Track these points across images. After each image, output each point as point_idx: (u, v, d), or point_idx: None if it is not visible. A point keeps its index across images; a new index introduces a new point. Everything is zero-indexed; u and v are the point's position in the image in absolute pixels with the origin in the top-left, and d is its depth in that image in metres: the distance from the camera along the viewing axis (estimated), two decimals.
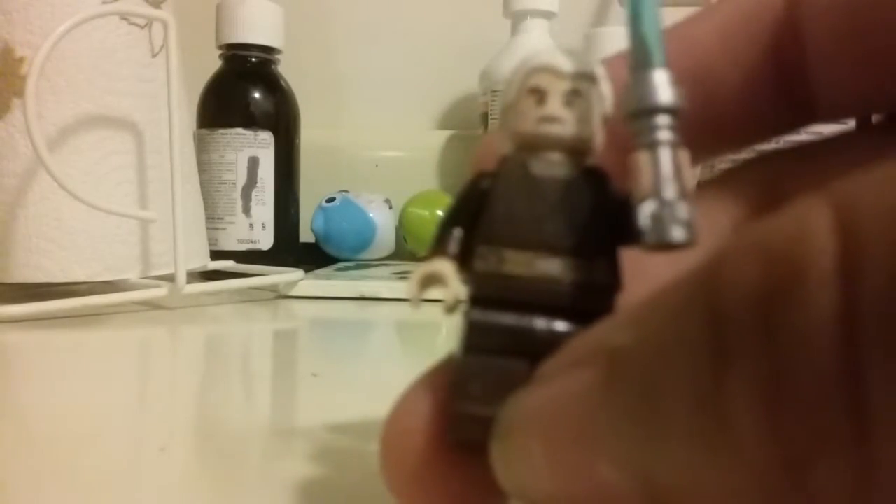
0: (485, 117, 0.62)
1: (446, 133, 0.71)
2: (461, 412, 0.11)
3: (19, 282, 0.40)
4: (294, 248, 0.59)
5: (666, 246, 0.10)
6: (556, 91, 0.11)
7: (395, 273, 0.53)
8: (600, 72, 0.12)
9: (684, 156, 0.10)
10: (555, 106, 0.11)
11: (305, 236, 0.62)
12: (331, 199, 0.62)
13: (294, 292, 0.47)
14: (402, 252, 0.64)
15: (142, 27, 0.43)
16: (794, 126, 0.13)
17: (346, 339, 0.38)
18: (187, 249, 0.42)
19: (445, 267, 0.11)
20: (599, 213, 0.11)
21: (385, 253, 0.63)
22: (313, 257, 0.60)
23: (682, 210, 0.10)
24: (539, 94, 0.12)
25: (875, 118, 0.13)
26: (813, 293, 0.06)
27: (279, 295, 0.47)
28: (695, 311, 0.07)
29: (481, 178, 0.12)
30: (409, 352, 0.37)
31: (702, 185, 0.14)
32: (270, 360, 0.35)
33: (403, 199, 0.63)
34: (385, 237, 0.62)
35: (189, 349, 0.36)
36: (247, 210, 0.55)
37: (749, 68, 0.13)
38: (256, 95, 0.56)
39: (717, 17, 0.13)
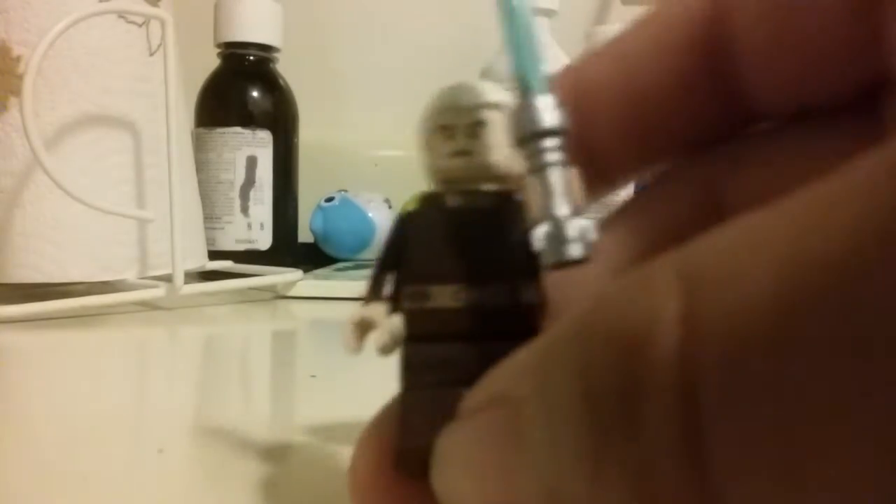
0: None
1: None
2: (405, 447, 0.11)
3: (16, 282, 0.40)
4: (293, 248, 0.59)
5: (564, 264, 0.11)
6: (461, 125, 0.12)
7: None
8: (502, 98, 0.12)
9: (574, 174, 0.11)
10: (461, 140, 0.12)
11: (304, 236, 0.61)
12: (330, 199, 0.62)
13: (292, 292, 0.47)
14: None
15: (139, 25, 0.43)
16: (732, 130, 0.13)
17: None
18: (185, 249, 0.42)
19: (376, 311, 0.12)
20: (515, 239, 0.11)
21: None
22: (312, 257, 0.60)
23: (575, 228, 0.11)
24: (447, 131, 0.12)
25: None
26: (661, 389, 0.07)
27: (277, 295, 0.47)
28: (573, 389, 0.08)
29: (403, 218, 0.12)
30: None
31: (643, 190, 0.14)
32: (269, 360, 0.35)
33: (403, 199, 0.62)
34: (384, 237, 0.62)
35: (187, 350, 0.36)
36: (245, 210, 0.55)
37: (684, 77, 0.13)
38: (255, 94, 0.56)
39: (649, 29, 0.13)
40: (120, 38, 0.42)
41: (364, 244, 0.61)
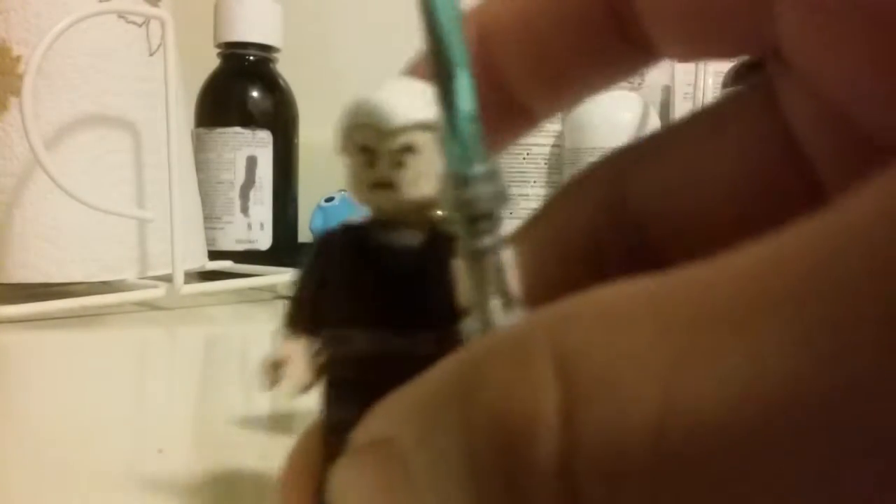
0: None
1: None
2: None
3: (16, 282, 0.40)
4: (293, 248, 0.59)
5: None
6: (385, 150, 0.10)
7: None
8: (433, 115, 0.10)
9: (508, 258, 0.09)
10: (384, 169, 0.10)
11: (304, 236, 0.61)
12: (330, 199, 0.62)
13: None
14: None
15: (139, 25, 0.43)
16: (636, 65, 0.13)
17: None
18: (185, 249, 0.42)
19: (294, 350, 0.11)
20: (442, 283, 0.10)
21: None
22: None
23: (505, 322, 0.09)
24: (368, 154, 0.11)
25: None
26: (539, 475, 0.07)
27: (277, 295, 0.47)
28: (457, 446, 0.08)
29: (324, 245, 0.11)
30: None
31: (559, 191, 0.14)
32: None
33: None
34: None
35: (187, 350, 0.36)
36: (245, 210, 0.55)
37: (580, 9, 0.13)
38: (255, 94, 0.56)
39: None
40: (120, 38, 0.42)
41: None
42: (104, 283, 0.42)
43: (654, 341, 0.07)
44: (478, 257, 0.09)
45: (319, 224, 0.61)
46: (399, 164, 0.10)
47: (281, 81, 0.58)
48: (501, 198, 0.09)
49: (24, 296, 0.39)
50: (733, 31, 0.12)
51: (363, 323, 0.11)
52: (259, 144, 0.55)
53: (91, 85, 0.41)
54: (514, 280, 0.09)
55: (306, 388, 0.11)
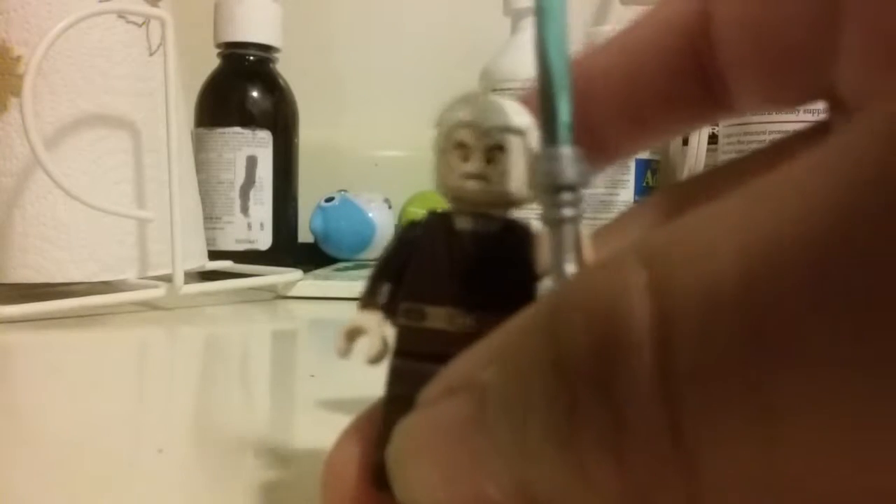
0: None
1: None
2: (382, 461, 0.11)
3: (16, 282, 0.40)
4: (293, 248, 0.59)
5: None
6: (479, 147, 0.12)
7: None
8: (525, 122, 0.12)
9: (585, 231, 0.11)
10: (477, 163, 0.12)
11: (304, 236, 0.61)
12: (330, 199, 0.62)
13: (292, 293, 0.47)
14: None
15: (139, 25, 0.43)
16: (714, 118, 0.15)
17: None
18: (185, 249, 0.42)
19: (370, 320, 0.12)
20: (517, 269, 0.11)
21: None
22: (312, 257, 0.60)
23: None
24: (463, 150, 0.12)
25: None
26: (634, 352, 0.08)
27: (277, 295, 0.47)
28: (544, 363, 0.08)
29: (410, 230, 0.12)
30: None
31: (622, 214, 0.16)
32: (269, 360, 0.35)
33: (403, 199, 0.63)
34: (384, 237, 0.62)
35: (187, 350, 0.36)
36: (245, 210, 0.55)
37: (673, 67, 0.14)
38: (255, 94, 0.56)
39: (651, 21, 0.15)
40: (120, 38, 0.42)
41: (364, 244, 0.61)
42: (104, 283, 0.42)
43: (728, 206, 0.08)
44: (558, 225, 0.11)
45: (319, 224, 0.61)
46: (490, 160, 0.12)
47: (281, 81, 0.58)
48: (584, 177, 0.11)
49: (24, 296, 0.39)
50: (804, 81, 0.13)
51: (439, 300, 0.12)
52: (259, 144, 0.55)
53: (91, 85, 0.41)
54: (588, 250, 0.11)
55: (378, 358, 0.12)
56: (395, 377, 0.12)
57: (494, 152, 0.12)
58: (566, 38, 0.11)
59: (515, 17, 0.60)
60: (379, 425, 0.12)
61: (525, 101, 0.12)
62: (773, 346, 0.07)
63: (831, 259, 0.07)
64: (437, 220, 0.12)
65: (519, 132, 0.12)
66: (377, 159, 0.71)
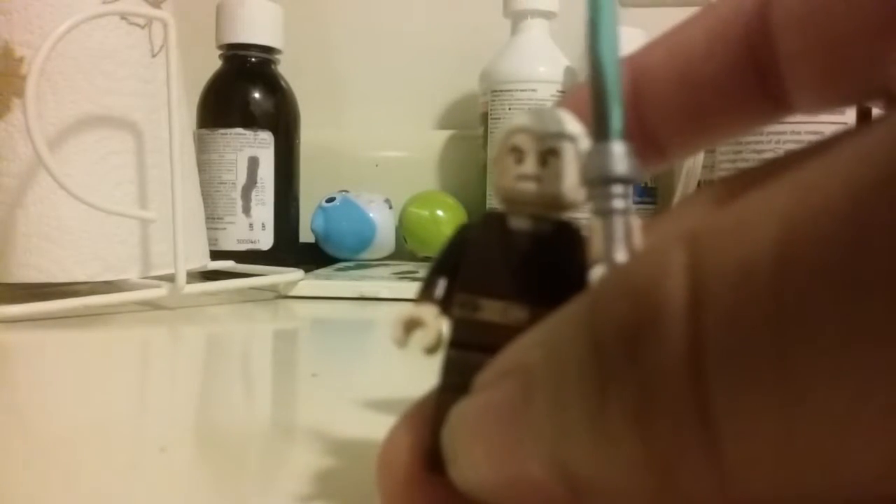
0: (484, 117, 0.62)
1: (446, 133, 0.71)
2: (437, 448, 0.12)
3: (19, 282, 0.40)
4: (294, 248, 0.59)
5: None
6: (533, 150, 0.12)
7: (394, 273, 0.53)
8: (577, 130, 0.12)
9: (636, 222, 0.11)
10: (530, 165, 0.12)
11: (305, 236, 0.62)
12: (331, 199, 0.62)
13: (294, 292, 0.47)
14: (402, 252, 0.64)
15: (142, 27, 0.43)
16: (771, 118, 0.15)
17: (346, 339, 0.38)
18: (187, 249, 0.42)
19: (427, 312, 0.13)
20: (571, 269, 0.12)
21: (385, 253, 0.63)
22: (313, 257, 0.60)
23: None
24: (518, 154, 0.12)
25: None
26: (667, 328, 0.08)
27: (279, 295, 0.47)
28: (581, 341, 0.09)
29: (465, 230, 0.13)
30: (408, 352, 0.37)
31: (675, 205, 0.16)
32: (270, 360, 0.35)
33: (403, 199, 0.63)
34: (385, 237, 0.62)
35: (189, 349, 0.36)
36: (247, 210, 0.55)
37: (729, 66, 0.14)
38: (256, 95, 0.56)
39: (703, 21, 0.14)
40: (122, 39, 0.42)
41: (365, 244, 0.61)
42: (107, 282, 0.42)
43: (770, 194, 0.08)
44: (609, 215, 0.11)
45: (320, 224, 0.61)
46: (543, 164, 0.12)
47: (282, 83, 0.58)
48: (634, 172, 0.11)
49: (27, 295, 0.39)
50: (862, 77, 0.13)
51: (493, 294, 0.12)
52: (260, 145, 0.55)
53: (94, 86, 0.41)
54: (639, 240, 0.11)
55: (434, 350, 0.12)
56: (450, 367, 0.12)
57: (548, 156, 0.12)
58: (617, 49, 0.11)
59: (515, 18, 0.60)
60: (433, 412, 0.12)
61: (569, 104, 0.13)
62: (804, 326, 0.07)
63: (866, 239, 0.07)
64: (493, 220, 0.13)
65: (572, 139, 0.12)
66: (378, 160, 0.71)
